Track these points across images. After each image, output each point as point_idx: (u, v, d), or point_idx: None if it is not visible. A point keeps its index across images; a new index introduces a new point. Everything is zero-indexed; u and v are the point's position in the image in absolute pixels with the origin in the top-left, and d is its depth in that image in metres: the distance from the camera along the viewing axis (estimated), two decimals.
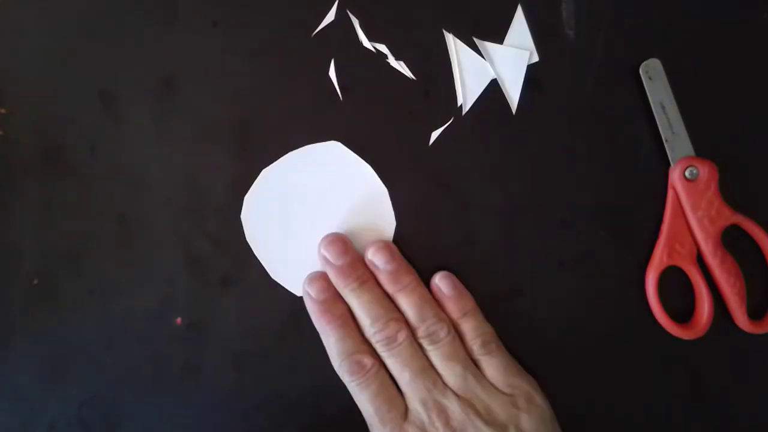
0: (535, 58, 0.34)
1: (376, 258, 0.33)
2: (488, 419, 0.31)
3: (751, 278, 0.34)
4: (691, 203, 0.33)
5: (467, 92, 0.34)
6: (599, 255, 0.34)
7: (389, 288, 0.33)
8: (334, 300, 0.33)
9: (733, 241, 0.34)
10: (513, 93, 0.34)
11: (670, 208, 0.34)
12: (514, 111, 0.34)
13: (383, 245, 0.33)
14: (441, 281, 0.33)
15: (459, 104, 0.34)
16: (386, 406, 0.31)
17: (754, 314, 0.34)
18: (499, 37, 0.34)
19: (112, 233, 0.34)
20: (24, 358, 0.33)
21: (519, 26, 0.34)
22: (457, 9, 0.34)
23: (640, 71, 0.34)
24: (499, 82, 0.34)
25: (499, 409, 0.31)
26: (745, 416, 0.35)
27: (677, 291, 0.34)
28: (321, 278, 0.33)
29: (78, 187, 0.34)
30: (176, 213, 0.34)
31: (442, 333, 0.32)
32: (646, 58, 0.34)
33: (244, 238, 0.34)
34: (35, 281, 0.33)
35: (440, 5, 0.34)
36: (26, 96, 0.34)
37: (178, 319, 0.34)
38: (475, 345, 0.32)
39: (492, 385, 0.32)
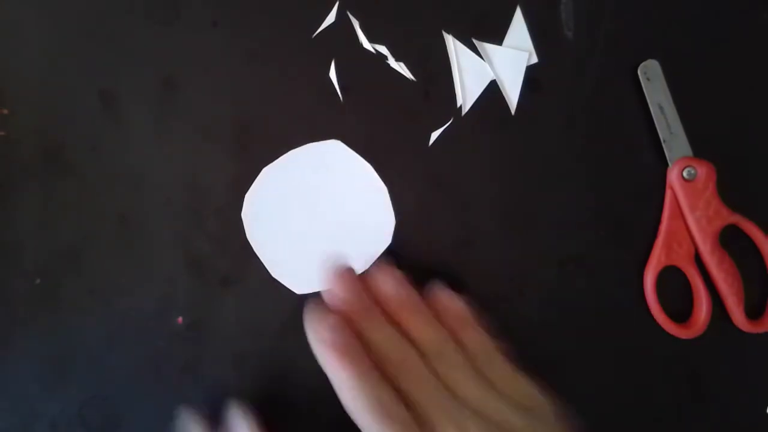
0: (535, 59, 0.34)
1: (376, 284, 0.32)
2: (507, 429, 0.30)
3: (749, 278, 0.34)
4: (689, 203, 0.34)
5: (467, 93, 0.34)
6: (599, 255, 0.34)
7: (391, 312, 0.31)
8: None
9: (730, 240, 0.34)
10: (512, 94, 0.34)
11: (668, 209, 0.34)
12: (513, 111, 0.34)
13: (380, 270, 0.32)
14: (438, 294, 0.32)
15: (459, 105, 0.34)
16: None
17: (751, 313, 0.34)
18: (498, 38, 0.34)
19: (112, 233, 0.34)
20: (24, 358, 0.33)
21: (518, 27, 0.34)
22: (456, 10, 0.34)
23: (638, 72, 0.34)
24: (499, 82, 0.34)
25: (514, 418, 0.30)
26: (743, 415, 0.35)
27: (675, 290, 0.34)
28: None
29: (78, 187, 0.34)
30: (176, 213, 0.34)
31: (447, 350, 0.31)
32: (645, 59, 0.34)
33: (245, 237, 0.34)
34: (36, 281, 0.33)
35: (440, 7, 0.34)
36: (26, 96, 0.34)
37: (179, 319, 0.34)
38: (478, 357, 0.32)
39: (503, 395, 0.31)
